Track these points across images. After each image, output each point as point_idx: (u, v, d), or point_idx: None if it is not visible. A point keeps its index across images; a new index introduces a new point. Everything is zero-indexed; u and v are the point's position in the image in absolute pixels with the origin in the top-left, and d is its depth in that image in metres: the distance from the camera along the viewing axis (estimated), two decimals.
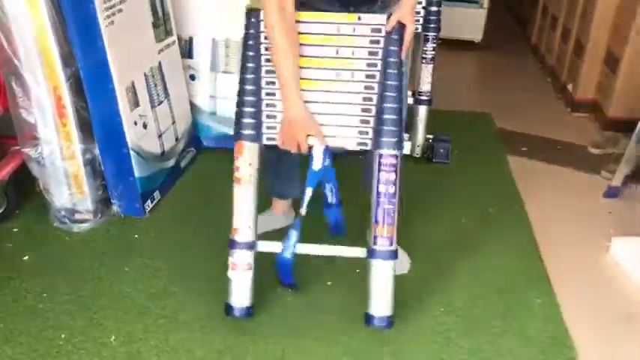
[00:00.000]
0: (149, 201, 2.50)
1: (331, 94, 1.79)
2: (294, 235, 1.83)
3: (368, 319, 1.84)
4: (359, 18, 1.75)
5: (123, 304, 2.00)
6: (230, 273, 1.86)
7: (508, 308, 2.02)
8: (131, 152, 2.37)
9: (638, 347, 1.89)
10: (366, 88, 1.78)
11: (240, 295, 1.88)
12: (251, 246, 1.84)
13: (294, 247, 1.83)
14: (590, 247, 2.37)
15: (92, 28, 2.18)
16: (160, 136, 2.60)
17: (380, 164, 1.76)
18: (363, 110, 1.79)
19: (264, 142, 1.83)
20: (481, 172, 2.92)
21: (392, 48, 1.74)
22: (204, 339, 1.86)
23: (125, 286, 2.08)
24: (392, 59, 1.74)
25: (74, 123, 2.25)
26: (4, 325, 1.89)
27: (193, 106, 2.97)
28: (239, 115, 1.80)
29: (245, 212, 1.82)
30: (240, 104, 1.80)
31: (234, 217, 1.84)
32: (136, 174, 2.41)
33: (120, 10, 2.30)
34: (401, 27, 1.74)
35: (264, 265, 1.90)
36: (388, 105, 1.74)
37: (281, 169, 2.18)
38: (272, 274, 1.94)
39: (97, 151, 2.35)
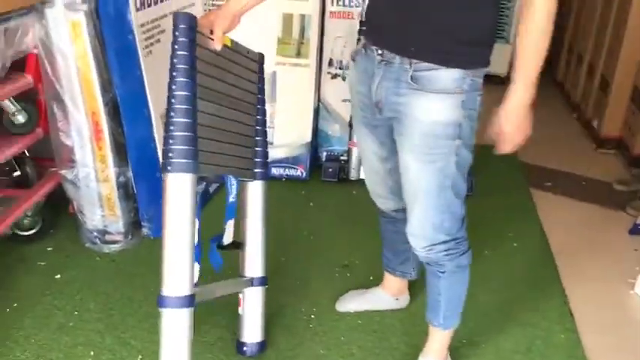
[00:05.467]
0: None
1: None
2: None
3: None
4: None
5: (150, 324, 2.04)
6: (240, 309, 1.94)
7: (532, 343, 2.02)
8: None
9: None
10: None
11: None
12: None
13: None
14: (614, 284, 2.37)
15: (131, 57, 2.28)
16: None
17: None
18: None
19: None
20: (504, 205, 2.93)
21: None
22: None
23: (153, 308, 2.08)
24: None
25: (110, 147, 2.33)
26: (34, 341, 1.95)
27: None
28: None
29: None
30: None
31: None
32: None
33: (158, 41, 2.40)
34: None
35: None
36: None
37: (396, 242, 2.01)
38: None
39: (130, 175, 2.42)
